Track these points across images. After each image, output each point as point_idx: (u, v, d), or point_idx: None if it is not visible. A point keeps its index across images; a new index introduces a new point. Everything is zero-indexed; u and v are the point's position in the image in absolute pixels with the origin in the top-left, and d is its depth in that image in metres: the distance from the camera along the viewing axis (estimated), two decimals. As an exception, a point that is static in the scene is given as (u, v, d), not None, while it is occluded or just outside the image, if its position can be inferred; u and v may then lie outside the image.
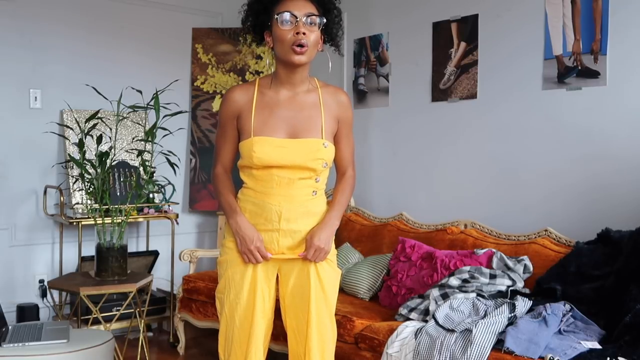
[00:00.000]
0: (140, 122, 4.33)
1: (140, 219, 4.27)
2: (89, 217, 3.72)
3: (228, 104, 2.13)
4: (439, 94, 3.87)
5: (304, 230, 2.11)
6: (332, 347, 2.20)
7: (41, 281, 4.09)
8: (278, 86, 2.13)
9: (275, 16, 2.03)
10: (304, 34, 2.01)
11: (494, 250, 3.11)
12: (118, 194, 4.11)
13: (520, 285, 2.93)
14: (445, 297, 2.83)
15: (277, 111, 2.10)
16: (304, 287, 2.13)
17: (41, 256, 4.22)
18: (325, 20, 2.09)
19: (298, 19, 2.01)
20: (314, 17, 2.03)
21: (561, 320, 2.55)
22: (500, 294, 2.87)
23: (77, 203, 4.04)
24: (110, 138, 3.76)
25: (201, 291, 3.68)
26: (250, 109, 2.10)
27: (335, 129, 2.17)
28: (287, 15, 2.01)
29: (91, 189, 3.46)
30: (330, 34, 2.15)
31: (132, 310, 3.66)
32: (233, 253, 2.14)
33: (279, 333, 3.26)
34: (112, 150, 3.49)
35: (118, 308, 3.77)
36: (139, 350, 3.57)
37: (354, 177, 2.27)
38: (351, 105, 2.25)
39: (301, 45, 2.02)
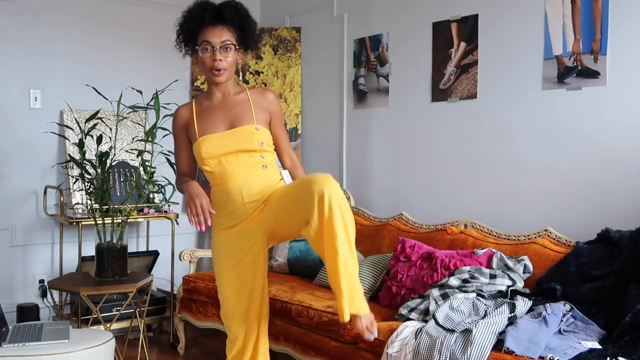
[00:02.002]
0: (140, 122, 4.33)
1: (140, 219, 4.27)
2: (89, 217, 3.72)
3: (176, 120, 2.58)
4: (439, 94, 3.87)
5: (261, 192, 2.45)
6: None
7: (41, 281, 4.09)
8: (211, 95, 2.55)
9: (197, 47, 2.46)
10: (220, 60, 2.43)
11: (494, 250, 3.11)
12: (118, 194, 4.11)
13: (520, 285, 2.93)
14: (445, 297, 2.83)
15: (214, 114, 2.51)
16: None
17: (41, 256, 4.23)
18: (239, 40, 2.48)
19: (215, 48, 2.43)
20: (227, 43, 2.44)
21: (561, 320, 2.55)
22: (500, 294, 2.87)
23: (77, 203, 4.04)
24: (110, 138, 3.75)
25: (201, 291, 3.69)
26: (192, 119, 2.53)
27: (268, 119, 2.54)
28: (205, 45, 2.43)
29: (91, 189, 3.46)
30: (248, 46, 2.55)
31: (132, 310, 3.66)
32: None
33: (279, 333, 3.27)
34: (112, 150, 3.49)
35: (118, 308, 3.77)
36: (139, 350, 3.57)
37: (302, 167, 2.68)
38: (278, 101, 2.62)
39: (218, 69, 2.44)
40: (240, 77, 4.75)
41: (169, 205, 4.24)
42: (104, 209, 3.43)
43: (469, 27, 3.69)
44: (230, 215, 2.48)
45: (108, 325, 3.46)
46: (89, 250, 3.76)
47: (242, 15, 2.49)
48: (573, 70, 3.23)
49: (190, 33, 2.49)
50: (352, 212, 2.25)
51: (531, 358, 2.33)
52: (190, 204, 2.37)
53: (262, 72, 4.75)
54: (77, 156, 3.51)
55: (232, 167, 2.45)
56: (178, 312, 3.88)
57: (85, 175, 3.42)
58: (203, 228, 2.36)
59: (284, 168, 2.64)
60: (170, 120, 3.47)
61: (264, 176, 2.48)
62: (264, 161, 2.49)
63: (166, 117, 3.46)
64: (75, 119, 3.93)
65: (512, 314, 2.58)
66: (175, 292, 4.09)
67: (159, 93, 3.49)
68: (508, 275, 2.94)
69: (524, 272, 2.99)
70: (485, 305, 2.71)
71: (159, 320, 4.26)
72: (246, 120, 2.48)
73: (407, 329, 2.67)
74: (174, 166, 3.47)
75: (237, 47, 2.49)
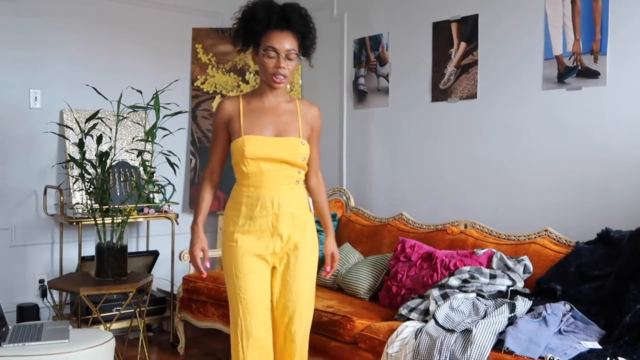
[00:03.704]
0: (140, 122, 4.33)
1: (140, 219, 4.27)
2: (89, 217, 3.72)
3: (220, 113, 2.53)
4: (439, 94, 3.87)
5: (292, 212, 2.47)
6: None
7: (41, 281, 4.09)
8: (262, 96, 2.51)
9: (262, 51, 2.41)
10: (283, 67, 2.40)
11: (494, 250, 3.11)
12: (118, 194, 4.11)
13: (520, 285, 2.93)
14: (445, 297, 2.83)
15: (263, 115, 2.48)
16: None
17: (41, 256, 4.22)
18: (300, 47, 2.46)
19: (280, 55, 2.39)
20: (292, 53, 2.41)
21: (561, 320, 2.55)
22: (500, 294, 2.87)
23: (77, 203, 4.04)
24: (110, 138, 3.76)
25: (201, 291, 3.68)
26: (238, 114, 2.49)
27: (309, 134, 2.55)
28: (270, 51, 2.39)
29: (91, 189, 3.46)
30: (307, 53, 2.53)
31: (132, 310, 3.66)
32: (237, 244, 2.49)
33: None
34: (112, 150, 3.49)
35: (118, 308, 3.77)
36: (139, 350, 3.57)
37: (325, 185, 2.71)
38: (321, 117, 2.62)
39: (280, 77, 2.42)
40: (241, 78, 4.76)
41: (169, 205, 4.24)
42: (104, 209, 3.43)
43: (469, 27, 3.69)
44: (252, 220, 2.44)
45: (108, 325, 3.46)
46: (89, 250, 3.76)
47: (306, 22, 2.46)
48: (573, 70, 3.23)
49: (253, 32, 2.43)
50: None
51: (531, 358, 2.33)
52: (192, 254, 2.56)
53: (262, 72, 4.75)
54: (77, 156, 3.51)
55: (270, 174, 2.43)
56: (178, 312, 3.88)
57: (85, 175, 3.42)
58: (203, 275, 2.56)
59: (308, 184, 2.61)
60: (170, 120, 3.50)
61: (295, 192, 2.49)
62: (299, 177, 2.51)
63: (166, 117, 3.46)
64: (75, 119, 3.93)
65: (512, 314, 2.58)
66: (175, 292, 4.09)
67: (159, 93, 3.49)
68: (508, 275, 2.94)
69: (524, 272, 2.99)
70: (485, 305, 2.71)
71: (159, 320, 4.26)
72: (293, 131, 2.47)
73: (407, 329, 2.67)
74: (174, 166, 3.49)
75: (299, 55, 2.46)
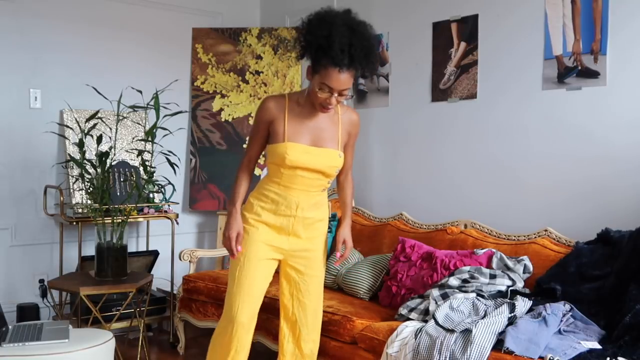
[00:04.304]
0: (140, 122, 4.33)
1: (140, 219, 4.27)
2: (89, 217, 3.72)
3: (264, 111, 2.56)
4: (439, 94, 3.87)
5: (312, 217, 2.60)
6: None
7: (41, 281, 4.09)
8: (308, 104, 2.53)
9: (317, 80, 2.40)
10: (333, 103, 2.43)
11: (494, 250, 3.11)
12: (118, 194, 4.11)
13: (520, 285, 2.93)
14: (445, 297, 2.83)
15: (305, 122, 2.53)
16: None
17: (41, 256, 4.22)
18: (357, 77, 2.48)
19: (333, 94, 2.41)
20: (346, 92, 2.43)
21: (561, 320, 2.55)
22: (500, 294, 2.87)
23: (77, 203, 4.04)
24: (110, 138, 3.76)
25: (201, 291, 3.68)
26: (284, 117, 2.53)
27: (347, 141, 2.64)
28: (325, 87, 2.40)
29: (91, 189, 3.46)
30: (365, 77, 2.58)
31: (132, 310, 3.66)
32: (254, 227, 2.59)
33: (278, 332, 3.26)
34: (112, 150, 3.49)
35: (118, 308, 3.77)
36: (139, 350, 3.57)
37: (353, 182, 2.81)
38: (359, 123, 2.68)
39: (328, 108, 2.46)
40: (241, 78, 4.76)
41: (169, 205, 4.24)
42: (104, 209, 3.43)
43: (469, 27, 3.69)
44: (275, 214, 2.57)
45: (108, 325, 3.46)
46: (89, 250, 3.76)
47: (369, 60, 2.44)
48: (573, 71, 3.23)
49: (313, 56, 2.42)
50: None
51: (531, 358, 2.33)
52: (228, 235, 2.55)
53: (262, 72, 4.75)
54: (77, 156, 3.51)
55: (303, 180, 2.53)
56: (178, 312, 3.88)
57: (85, 175, 3.42)
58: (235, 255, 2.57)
59: (338, 179, 2.74)
60: (170, 120, 3.50)
61: (319, 198, 2.61)
62: (326, 185, 2.62)
63: (166, 117, 3.46)
64: (75, 119, 3.94)
65: (512, 314, 2.58)
66: (175, 292, 4.09)
67: (159, 93, 3.49)
68: (508, 275, 2.94)
69: (524, 272, 2.99)
70: (485, 305, 2.71)
71: (159, 320, 4.26)
72: (331, 142, 2.55)
73: (407, 329, 2.67)
74: (174, 166, 3.49)
75: (355, 81, 2.48)
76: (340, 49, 2.33)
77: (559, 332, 2.51)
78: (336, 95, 2.41)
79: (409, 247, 3.33)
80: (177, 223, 4.24)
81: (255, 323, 2.62)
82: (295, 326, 2.65)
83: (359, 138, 4.38)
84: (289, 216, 2.55)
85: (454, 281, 2.92)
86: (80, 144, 3.42)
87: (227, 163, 4.57)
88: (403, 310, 2.90)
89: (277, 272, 2.69)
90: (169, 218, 4.19)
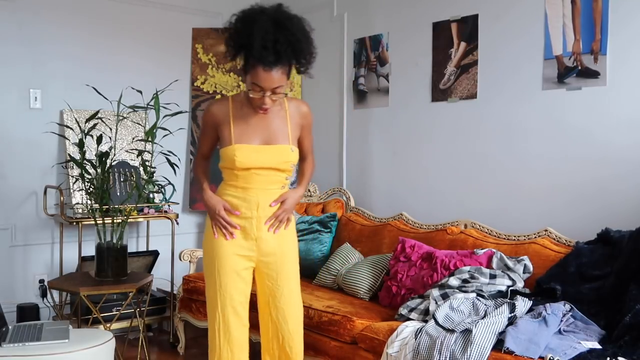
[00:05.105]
0: (140, 122, 4.33)
1: (140, 219, 4.27)
2: (89, 217, 3.72)
3: (209, 116, 2.57)
4: (439, 94, 3.87)
5: (272, 209, 2.56)
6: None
7: (41, 281, 4.09)
8: (251, 104, 2.49)
9: (249, 80, 2.38)
10: (268, 101, 2.40)
11: (494, 250, 3.11)
12: (118, 194, 4.11)
13: (520, 285, 2.93)
14: (445, 297, 2.83)
15: (253, 122, 2.51)
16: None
17: (41, 256, 4.23)
18: (290, 72, 2.42)
19: (265, 93, 2.37)
20: (279, 89, 2.39)
21: (561, 320, 2.55)
22: (500, 294, 2.87)
23: (77, 203, 4.04)
24: (110, 138, 3.75)
25: (201, 291, 3.68)
26: (229, 121, 2.52)
27: (299, 134, 2.61)
28: (256, 87, 2.37)
29: (91, 189, 3.46)
30: (302, 72, 2.49)
31: (132, 310, 3.66)
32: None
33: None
34: (112, 150, 3.49)
35: (118, 308, 3.77)
36: (139, 350, 3.57)
37: (314, 161, 2.79)
38: (311, 112, 2.65)
39: (264, 109, 2.44)
40: (241, 78, 4.75)
41: (169, 205, 4.24)
42: (104, 209, 3.43)
43: (469, 27, 3.69)
44: (238, 218, 2.54)
45: (108, 325, 3.46)
46: (89, 250, 3.76)
47: (299, 55, 2.40)
48: (573, 71, 3.23)
49: (241, 54, 2.39)
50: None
51: (531, 358, 2.33)
52: (215, 220, 2.53)
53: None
54: (77, 156, 3.51)
55: (259, 178, 2.51)
56: (178, 312, 3.88)
57: (85, 175, 3.42)
58: (234, 236, 2.53)
59: (299, 163, 2.72)
60: (170, 120, 3.50)
61: (278, 193, 2.57)
62: (285, 182, 2.60)
63: (166, 117, 3.46)
64: (75, 119, 3.94)
65: (512, 314, 2.58)
66: (175, 292, 4.09)
67: (159, 93, 3.49)
68: (508, 275, 2.94)
69: (524, 272, 2.99)
70: (485, 305, 2.71)
71: (159, 320, 4.26)
72: (282, 138, 2.52)
73: (407, 329, 2.67)
74: (174, 166, 3.49)
75: (288, 78, 2.43)
76: (263, 45, 2.28)
77: (559, 332, 2.51)
78: (269, 94, 2.38)
79: (409, 247, 3.33)
80: (177, 223, 4.24)
81: (247, 327, 2.62)
82: (278, 334, 2.60)
83: (359, 137, 4.43)
84: (250, 218, 2.52)
85: (454, 281, 2.92)
86: (80, 144, 3.42)
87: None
88: (403, 310, 2.90)
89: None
90: (169, 218, 4.19)
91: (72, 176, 3.90)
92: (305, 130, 2.64)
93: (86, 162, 3.41)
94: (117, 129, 3.60)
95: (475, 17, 3.66)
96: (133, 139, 4.26)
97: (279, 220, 2.56)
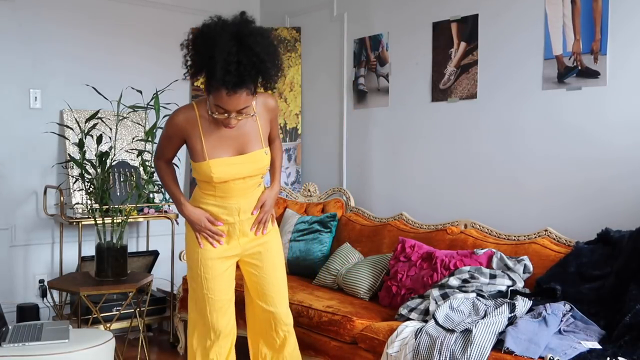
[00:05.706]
0: (140, 122, 4.33)
1: (140, 219, 4.27)
2: (89, 217, 3.72)
3: (174, 126, 2.47)
4: (439, 94, 3.87)
5: (255, 214, 2.60)
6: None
7: (41, 281, 4.09)
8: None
9: (213, 107, 2.31)
10: (233, 123, 2.35)
11: (494, 250, 3.11)
12: (118, 194, 4.11)
13: (520, 285, 2.93)
14: (445, 297, 2.83)
15: (224, 133, 2.44)
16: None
17: (41, 256, 4.23)
18: (256, 88, 2.35)
19: (230, 115, 2.32)
20: (245, 110, 2.33)
21: (561, 320, 2.55)
22: (500, 294, 2.87)
23: (77, 203, 4.04)
24: (110, 138, 3.76)
25: (201, 291, 3.68)
26: (198, 134, 2.44)
27: (269, 128, 2.58)
28: (221, 110, 2.31)
29: (91, 189, 3.46)
30: (268, 88, 2.40)
31: (132, 310, 3.66)
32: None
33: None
34: (112, 150, 3.49)
35: (118, 308, 3.77)
36: (139, 350, 3.57)
37: (281, 145, 2.80)
38: (277, 103, 2.63)
39: (230, 127, 2.39)
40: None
41: (168, 205, 4.24)
42: (104, 209, 3.43)
43: (469, 27, 3.69)
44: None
45: (108, 325, 3.46)
46: (89, 250, 3.76)
47: (264, 75, 2.31)
48: (573, 71, 3.23)
49: (203, 75, 2.31)
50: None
51: (531, 358, 2.33)
52: (200, 233, 2.54)
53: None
54: (77, 156, 3.51)
55: (237, 186, 2.51)
56: (178, 312, 3.88)
57: (85, 175, 3.42)
58: (221, 243, 2.56)
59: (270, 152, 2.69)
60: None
61: (257, 193, 2.61)
62: (261, 181, 2.64)
63: (166, 117, 3.46)
64: (75, 119, 3.94)
65: (512, 314, 2.58)
66: (175, 292, 4.09)
67: (159, 93, 3.49)
68: (508, 275, 2.94)
69: (524, 272, 2.99)
70: (485, 305, 2.71)
71: (159, 320, 4.26)
72: (255, 143, 2.49)
73: (407, 329, 2.68)
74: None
75: (254, 94, 2.36)
76: (225, 69, 2.17)
77: (559, 332, 2.51)
78: (234, 115, 2.31)
79: (409, 247, 3.33)
80: (177, 223, 4.24)
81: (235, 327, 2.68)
82: (270, 321, 2.65)
83: (359, 137, 4.43)
84: (232, 223, 2.55)
85: (454, 281, 2.92)
86: (80, 144, 3.42)
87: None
88: (403, 310, 2.90)
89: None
90: (169, 218, 4.19)
91: (72, 176, 3.90)
92: (273, 121, 2.62)
93: (86, 162, 3.41)
94: (117, 129, 3.60)
95: (475, 17, 3.66)
96: (133, 139, 4.26)
97: (262, 223, 2.60)
